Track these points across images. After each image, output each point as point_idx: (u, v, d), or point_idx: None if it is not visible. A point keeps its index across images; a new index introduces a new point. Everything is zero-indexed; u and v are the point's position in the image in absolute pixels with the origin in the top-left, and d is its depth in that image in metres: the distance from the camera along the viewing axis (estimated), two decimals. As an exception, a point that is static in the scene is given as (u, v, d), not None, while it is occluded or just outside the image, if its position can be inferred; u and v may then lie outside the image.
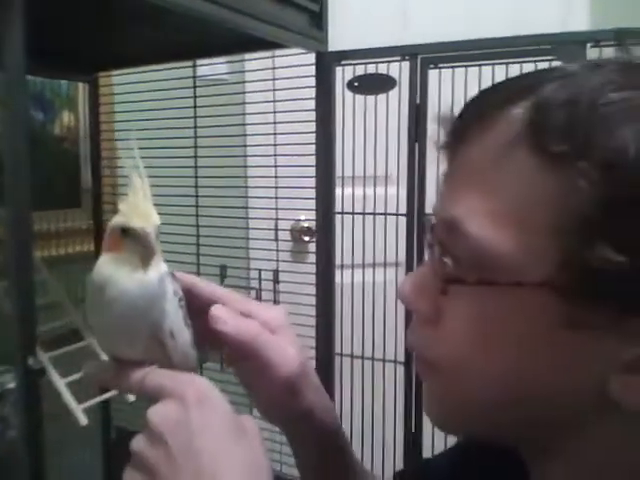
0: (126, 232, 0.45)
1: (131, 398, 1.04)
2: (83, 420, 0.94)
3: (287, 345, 0.51)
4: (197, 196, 1.25)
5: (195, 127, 1.25)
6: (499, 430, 0.39)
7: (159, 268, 0.46)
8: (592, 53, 0.95)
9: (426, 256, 0.42)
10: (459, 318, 0.37)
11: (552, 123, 0.32)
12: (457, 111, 0.40)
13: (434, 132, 0.40)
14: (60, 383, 0.94)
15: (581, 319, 0.32)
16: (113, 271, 0.44)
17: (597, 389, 0.33)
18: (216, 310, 0.49)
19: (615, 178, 0.30)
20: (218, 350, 0.54)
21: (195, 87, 1.25)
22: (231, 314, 0.50)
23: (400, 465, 1.18)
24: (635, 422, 0.34)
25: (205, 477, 0.39)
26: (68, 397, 0.94)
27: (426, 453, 1.16)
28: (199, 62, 1.27)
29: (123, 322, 0.45)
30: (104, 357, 1.05)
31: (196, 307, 0.50)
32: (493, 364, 0.36)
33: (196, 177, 1.25)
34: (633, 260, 0.30)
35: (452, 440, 1.17)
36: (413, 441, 1.16)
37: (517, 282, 0.33)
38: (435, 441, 1.14)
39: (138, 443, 0.42)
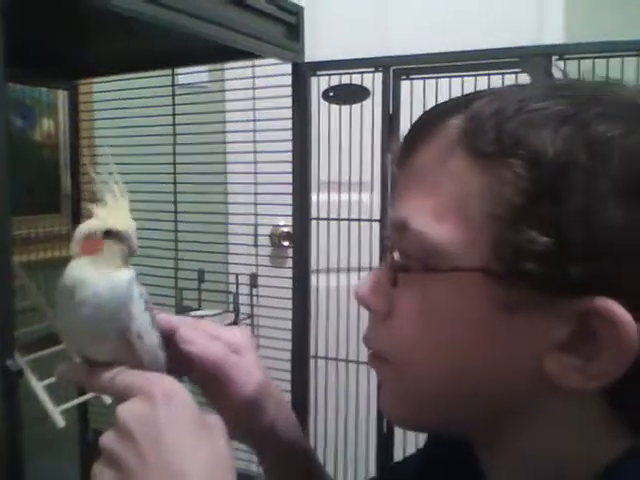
0: (109, 234, 0.47)
1: (108, 400, 1.05)
2: (60, 422, 0.95)
3: (249, 365, 0.54)
4: (176, 202, 1.27)
5: (174, 134, 1.27)
6: (449, 419, 0.42)
7: (128, 271, 0.48)
8: (558, 66, 1.00)
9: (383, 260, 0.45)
10: (406, 308, 0.40)
11: (483, 128, 0.36)
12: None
13: (393, 149, 0.44)
14: (38, 386, 0.96)
15: (516, 302, 0.35)
16: (88, 273, 0.46)
17: (536, 370, 0.36)
18: (184, 332, 0.52)
19: (537, 172, 0.34)
20: (186, 375, 0.56)
21: (174, 95, 1.27)
22: (198, 335, 0.52)
23: (373, 464, 1.20)
24: (573, 402, 0.37)
25: (171, 471, 0.41)
26: (46, 399, 0.96)
27: (397, 453, 1.19)
28: (179, 69, 1.29)
29: (93, 323, 0.47)
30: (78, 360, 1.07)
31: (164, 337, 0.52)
32: (436, 350, 0.39)
33: (175, 183, 1.27)
34: (556, 241, 0.33)
35: (423, 438, 1.20)
36: (385, 441, 1.18)
37: (455, 267, 0.36)
38: (407, 441, 1.17)
39: (107, 438, 0.43)
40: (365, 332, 0.45)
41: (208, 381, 0.54)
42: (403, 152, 0.42)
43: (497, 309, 0.36)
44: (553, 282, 0.34)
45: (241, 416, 0.54)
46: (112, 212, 0.48)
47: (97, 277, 0.46)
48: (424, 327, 0.39)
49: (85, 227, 0.48)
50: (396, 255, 0.41)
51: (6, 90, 0.67)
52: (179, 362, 0.52)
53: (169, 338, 0.52)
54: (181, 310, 1.24)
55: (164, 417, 0.42)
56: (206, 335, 0.53)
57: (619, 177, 0.33)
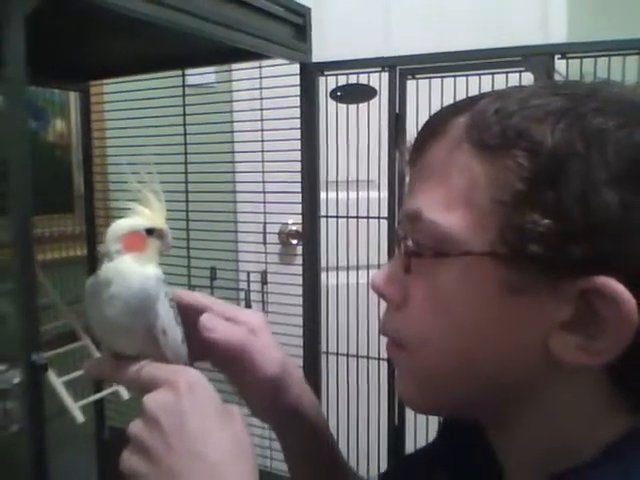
0: (151, 232, 0.50)
1: (125, 396, 1.08)
2: (80, 417, 0.98)
3: (269, 345, 0.56)
4: (187, 201, 1.29)
5: (185, 134, 1.29)
6: (461, 401, 0.44)
7: (157, 271, 0.51)
8: (560, 64, 1.01)
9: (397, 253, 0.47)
10: (419, 294, 0.42)
11: (487, 124, 0.40)
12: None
13: (403, 150, 0.47)
14: (57, 382, 0.98)
15: (521, 284, 0.38)
16: (129, 268, 0.49)
17: (541, 350, 0.38)
18: (205, 319, 0.54)
19: (538, 161, 0.37)
20: (209, 358, 0.58)
21: (184, 95, 1.29)
22: (219, 321, 0.54)
23: (384, 458, 1.22)
24: (577, 381, 0.39)
25: (194, 456, 0.43)
26: (65, 395, 0.98)
27: (409, 446, 1.21)
28: (189, 71, 1.31)
29: (124, 318, 0.49)
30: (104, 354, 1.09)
31: (184, 316, 0.54)
32: (447, 333, 0.41)
33: (186, 182, 1.29)
34: (556, 223, 0.36)
35: (433, 432, 1.21)
36: (396, 435, 1.20)
37: (465, 252, 0.39)
38: (417, 434, 1.19)
39: (135, 427, 0.46)
40: (382, 321, 0.47)
41: (232, 364, 0.56)
42: (414, 151, 0.45)
43: (504, 291, 0.38)
44: (555, 263, 0.36)
45: (266, 396, 0.56)
46: (152, 209, 0.51)
47: (134, 272, 0.49)
48: (436, 311, 0.41)
49: (128, 224, 0.51)
50: (410, 243, 0.43)
51: (27, 94, 0.70)
52: (202, 347, 0.54)
53: (193, 320, 0.54)
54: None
55: (188, 406, 0.45)
56: (225, 320, 0.55)
57: (613, 164, 0.36)
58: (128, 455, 0.46)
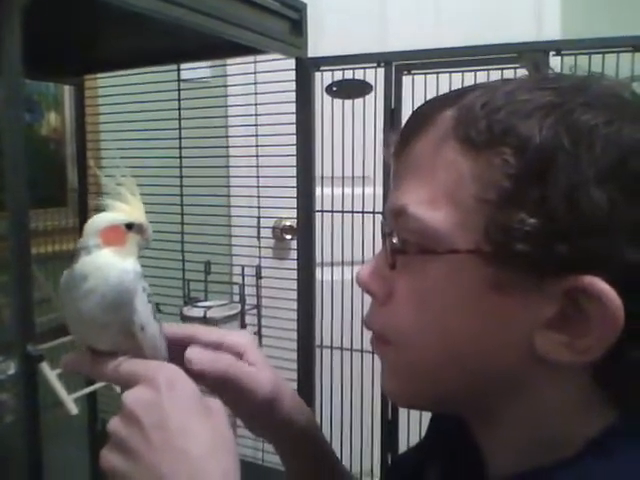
0: (130, 227, 0.50)
1: (118, 389, 1.08)
2: (74, 409, 0.97)
3: (258, 367, 0.56)
4: (182, 195, 1.29)
5: (180, 128, 1.29)
6: (445, 396, 0.44)
7: (136, 265, 0.50)
8: (555, 61, 1.02)
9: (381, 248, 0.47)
10: (404, 290, 0.42)
11: (474, 119, 0.39)
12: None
13: (390, 142, 0.46)
14: (51, 374, 0.98)
15: (506, 282, 0.37)
16: (107, 262, 0.48)
17: (525, 347, 0.38)
18: (190, 353, 0.54)
19: (524, 158, 0.36)
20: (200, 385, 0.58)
21: (179, 90, 1.28)
22: (203, 353, 0.54)
23: (377, 452, 1.23)
24: (561, 378, 0.39)
25: (175, 452, 0.43)
26: (59, 387, 0.97)
27: (402, 440, 1.22)
28: (183, 65, 1.31)
29: (99, 312, 0.48)
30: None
31: (175, 343, 0.54)
32: (432, 329, 0.41)
33: (181, 177, 1.29)
34: (543, 223, 0.35)
35: (426, 425, 1.22)
36: (389, 429, 1.21)
37: (451, 250, 0.39)
38: (410, 428, 1.20)
39: (114, 424, 0.45)
40: (366, 315, 0.47)
41: (224, 389, 0.56)
42: (400, 144, 0.44)
43: (488, 289, 0.38)
44: (541, 261, 0.36)
45: (259, 415, 0.57)
46: (131, 205, 0.51)
47: (112, 266, 0.48)
48: (420, 307, 0.41)
49: (107, 219, 0.50)
50: (395, 239, 0.43)
51: (23, 87, 0.70)
52: (192, 376, 0.53)
53: (181, 351, 0.54)
54: (188, 301, 1.27)
55: (168, 402, 0.45)
56: (211, 350, 0.55)
57: (601, 162, 0.35)
58: (107, 452, 0.45)
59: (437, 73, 1.07)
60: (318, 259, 1.21)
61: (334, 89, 1.15)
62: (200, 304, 1.24)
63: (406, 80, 1.10)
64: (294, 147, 1.16)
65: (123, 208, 0.50)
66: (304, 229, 1.19)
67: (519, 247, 0.36)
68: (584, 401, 0.40)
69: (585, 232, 0.35)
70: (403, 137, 0.44)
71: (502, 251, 0.37)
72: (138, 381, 0.46)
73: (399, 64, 1.10)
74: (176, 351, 0.54)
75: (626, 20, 1.55)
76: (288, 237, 1.69)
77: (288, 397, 0.58)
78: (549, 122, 0.36)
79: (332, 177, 1.20)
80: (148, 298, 0.51)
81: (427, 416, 1.22)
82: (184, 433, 0.44)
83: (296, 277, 1.21)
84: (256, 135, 1.27)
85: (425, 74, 1.08)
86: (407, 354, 0.43)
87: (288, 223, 1.67)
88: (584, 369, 0.38)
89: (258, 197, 1.29)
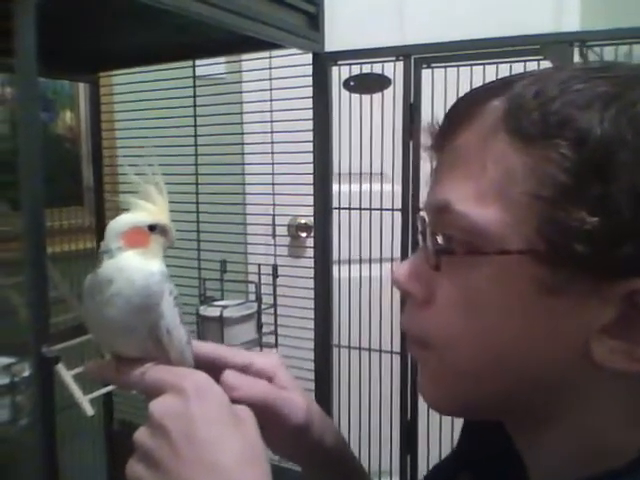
0: (153, 228, 0.48)
1: (133, 390, 1.07)
2: (90, 410, 0.97)
3: (290, 392, 0.55)
4: (197, 193, 1.28)
5: (195, 125, 1.27)
6: (489, 404, 0.41)
7: (161, 267, 0.49)
8: (578, 52, 0.99)
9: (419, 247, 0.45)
10: (450, 292, 0.40)
11: (526, 110, 0.36)
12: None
13: (424, 135, 0.44)
14: (67, 375, 0.97)
15: (560, 284, 0.35)
16: (131, 264, 0.47)
17: (581, 353, 0.36)
18: (228, 378, 0.52)
19: (584, 152, 0.34)
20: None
21: (195, 86, 1.27)
22: (240, 379, 0.53)
23: (396, 453, 1.21)
24: (617, 386, 0.37)
25: (205, 464, 0.41)
26: (75, 388, 0.97)
27: (422, 441, 1.20)
28: (198, 61, 1.30)
29: (124, 317, 0.47)
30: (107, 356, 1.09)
31: (202, 364, 0.53)
32: (479, 335, 0.38)
33: (196, 175, 1.28)
34: (604, 222, 0.33)
35: (446, 426, 1.20)
36: (409, 429, 1.19)
37: (501, 250, 0.36)
38: (430, 429, 1.18)
39: (141, 434, 0.44)
40: (403, 318, 0.44)
41: (256, 414, 0.54)
42: (441, 135, 0.42)
43: (541, 292, 0.36)
44: (600, 263, 0.34)
45: (290, 440, 0.56)
46: (156, 204, 0.49)
47: (137, 269, 0.47)
48: (467, 312, 0.39)
49: (129, 220, 0.48)
50: (439, 239, 0.41)
51: (37, 85, 0.69)
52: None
53: (208, 371, 0.52)
54: (205, 300, 1.25)
55: (197, 411, 0.43)
56: (248, 377, 0.54)
57: None
58: (134, 464, 0.44)
59: (458, 66, 1.04)
60: (335, 257, 1.20)
61: (352, 84, 1.13)
62: (216, 303, 1.22)
63: (425, 74, 1.08)
64: (310, 144, 1.14)
65: (147, 208, 0.49)
66: (321, 226, 1.18)
67: (577, 247, 0.33)
68: (638, 410, 0.38)
69: None
70: (445, 129, 0.42)
71: (558, 251, 0.34)
72: (165, 389, 0.45)
73: (418, 57, 1.07)
74: (206, 369, 0.52)
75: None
76: (303, 235, 1.67)
77: (318, 419, 0.57)
78: (610, 114, 0.34)
79: (349, 174, 1.18)
80: (175, 301, 0.50)
81: (447, 417, 1.20)
82: (213, 444, 0.42)
83: (313, 275, 1.19)
84: (272, 132, 1.25)
85: (445, 67, 1.05)
86: (452, 360, 0.40)
87: (303, 221, 1.65)
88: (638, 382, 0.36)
89: (273, 194, 1.27)
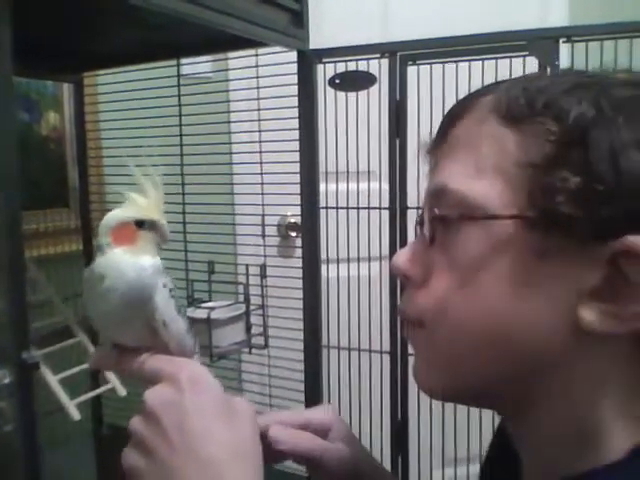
0: (141, 224, 0.49)
1: (123, 393, 1.06)
2: (76, 415, 0.96)
3: (343, 445, 0.57)
4: (184, 193, 1.27)
5: (180, 125, 1.26)
6: (481, 383, 0.42)
7: (154, 260, 0.50)
8: (565, 48, 0.99)
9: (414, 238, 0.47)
10: (444, 264, 0.41)
11: (514, 97, 0.40)
12: (436, 108, 0.46)
13: (420, 138, 0.48)
14: (52, 379, 0.96)
15: (550, 247, 0.37)
16: (121, 260, 0.48)
17: (571, 319, 0.37)
18: (273, 432, 0.53)
19: (566, 126, 0.37)
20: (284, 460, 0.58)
21: (179, 85, 1.26)
22: (286, 432, 0.54)
23: (387, 454, 1.21)
24: (610, 351, 0.38)
25: (194, 455, 0.42)
26: (61, 393, 0.96)
27: (412, 441, 1.19)
28: (183, 60, 1.28)
29: (121, 310, 0.48)
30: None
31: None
32: (475, 302, 0.40)
33: (182, 174, 1.27)
34: (586, 182, 0.36)
35: (437, 426, 1.19)
36: (399, 429, 1.18)
37: (493, 215, 0.39)
38: (421, 429, 1.18)
39: (135, 422, 0.45)
40: (400, 304, 0.46)
41: (305, 463, 0.57)
42: (438, 136, 0.45)
43: (532, 257, 0.38)
44: (585, 223, 0.36)
45: None
46: (145, 201, 0.50)
47: (127, 264, 0.48)
48: (461, 280, 0.40)
49: (117, 216, 0.49)
50: (435, 212, 0.42)
51: (12, 85, 0.67)
52: (275, 454, 0.54)
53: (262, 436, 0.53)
54: (192, 302, 1.24)
55: (189, 402, 0.44)
56: (294, 430, 0.55)
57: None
58: (128, 451, 0.45)
59: (443, 63, 1.04)
60: (324, 256, 1.19)
61: (337, 81, 1.12)
62: (204, 305, 1.21)
63: (411, 71, 1.07)
64: (298, 142, 1.13)
65: (137, 203, 0.50)
66: (308, 226, 1.17)
67: (563, 208, 0.36)
68: (628, 394, 0.39)
69: (628, 192, 0.35)
70: (443, 125, 0.45)
71: (546, 215, 0.37)
72: (161, 379, 0.46)
73: (404, 54, 1.06)
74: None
75: (635, 7, 1.51)
76: (293, 234, 1.66)
77: (368, 470, 0.59)
78: (589, 96, 0.38)
79: (336, 172, 1.17)
80: (170, 293, 0.51)
81: (438, 416, 1.20)
82: (204, 436, 0.43)
83: (301, 275, 1.18)
84: (259, 130, 1.24)
85: (431, 64, 1.05)
86: (445, 333, 0.42)
87: (293, 220, 1.64)
88: (630, 350, 0.38)
89: (262, 194, 1.26)
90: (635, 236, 0.35)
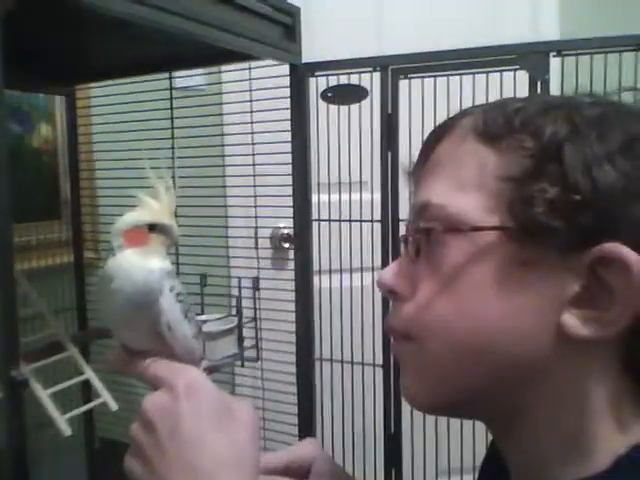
0: (153, 227, 0.50)
1: (114, 407, 1.05)
2: (67, 430, 0.95)
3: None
4: (176, 206, 1.26)
5: (172, 137, 1.26)
6: (472, 394, 0.42)
7: (163, 263, 0.50)
8: (555, 62, 0.99)
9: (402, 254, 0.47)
10: (430, 277, 0.42)
11: (492, 117, 0.42)
12: (427, 121, 0.47)
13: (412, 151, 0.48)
14: (43, 394, 0.95)
15: (531, 257, 0.38)
16: (130, 262, 0.48)
17: (554, 327, 0.38)
18: None
19: (542, 142, 0.39)
20: None
21: (172, 98, 1.26)
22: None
23: (381, 466, 1.20)
24: (595, 356, 0.39)
25: (185, 464, 0.42)
26: (51, 408, 0.95)
27: (405, 454, 1.19)
28: (177, 73, 1.28)
29: (127, 312, 0.49)
30: (87, 368, 1.07)
31: None
32: (459, 313, 0.41)
33: (174, 187, 1.26)
34: (563, 192, 0.37)
35: (430, 439, 1.19)
36: (393, 442, 1.18)
37: (475, 227, 0.40)
38: (414, 442, 1.17)
39: (134, 428, 0.45)
40: (387, 320, 0.46)
41: None
42: (423, 152, 0.47)
43: (514, 267, 0.39)
44: (563, 233, 0.37)
45: None
46: (157, 205, 0.51)
47: (135, 266, 0.48)
48: (446, 292, 0.41)
49: (129, 220, 0.50)
50: (420, 226, 0.43)
51: (4, 97, 0.67)
52: None
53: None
54: (184, 315, 1.23)
55: (184, 409, 0.44)
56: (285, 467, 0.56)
57: (610, 144, 0.38)
58: (129, 458, 0.45)
59: (435, 77, 1.04)
60: (316, 267, 1.19)
61: (329, 95, 1.12)
62: (196, 318, 1.20)
63: (403, 84, 1.07)
64: (290, 155, 1.13)
65: (150, 206, 0.51)
66: (301, 238, 1.17)
67: (542, 218, 0.37)
68: (614, 402, 0.39)
69: (603, 201, 0.37)
70: (426, 146, 0.47)
71: (526, 225, 0.38)
72: (161, 385, 0.46)
73: (395, 68, 1.07)
74: None
75: (625, 18, 1.52)
76: (286, 246, 1.66)
77: None
78: (562, 115, 0.40)
79: (329, 184, 1.17)
80: (177, 297, 0.51)
81: (431, 429, 1.19)
82: (196, 444, 0.42)
83: (294, 287, 1.18)
84: (252, 143, 1.24)
85: (422, 78, 1.05)
86: (432, 346, 0.42)
87: (286, 231, 1.64)
88: (613, 357, 0.39)
89: (255, 207, 1.26)
90: (611, 243, 0.36)
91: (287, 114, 1.13)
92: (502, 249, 0.39)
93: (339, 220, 1.18)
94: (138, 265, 0.48)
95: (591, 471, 0.38)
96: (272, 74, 1.14)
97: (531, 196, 0.38)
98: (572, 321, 0.38)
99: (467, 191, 0.41)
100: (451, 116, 0.47)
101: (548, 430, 0.40)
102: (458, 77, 1.02)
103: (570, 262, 0.38)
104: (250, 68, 1.19)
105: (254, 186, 1.25)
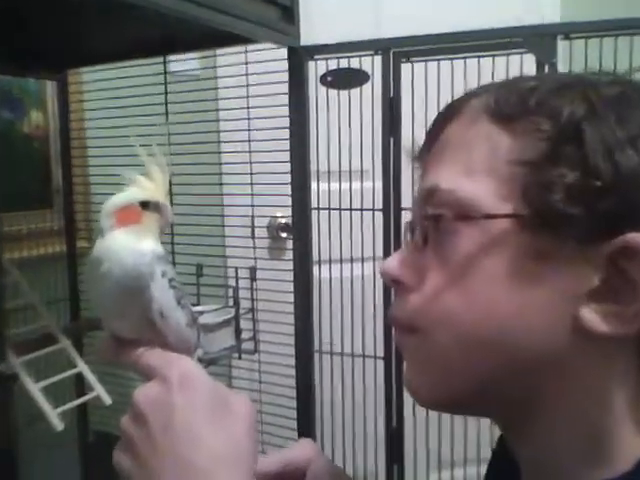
0: (146, 205, 0.47)
1: (107, 401, 1.03)
2: (58, 425, 0.92)
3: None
4: (171, 194, 1.23)
5: (167, 123, 1.23)
6: (477, 391, 0.40)
7: (155, 245, 0.48)
8: (562, 45, 0.96)
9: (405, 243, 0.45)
10: (438, 267, 0.40)
11: (505, 97, 0.40)
12: (431, 106, 0.45)
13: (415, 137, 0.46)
14: (34, 388, 0.93)
15: (547, 248, 0.36)
16: (120, 244, 0.46)
17: (570, 322, 0.36)
18: None
19: (559, 124, 0.37)
20: None
21: (166, 83, 1.23)
22: None
23: (382, 460, 1.18)
24: (615, 352, 0.37)
25: (179, 460, 0.40)
26: (43, 402, 0.92)
27: (407, 448, 1.17)
28: (171, 58, 1.25)
29: (115, 297, 0.46)
30: (79, 361, 1.04)
31: None
32: (468, 305, 0.38)
33: (169, 175, 1.23)
34: (583, 177, 0.35)
35: (433, 433, 1.17)
36: (395, 437, 1.16)
37: (487, 214, 0.37)
38: (416, 435, 1.15)
39: (124, 422, 0.43)
40: (391, 310, 0.44)
41: None
42: (428, 139, 0.44)
43: (528, 258, 0.37)
44: (582, 221, 0.35)
45: None
46: (150, 183, 0.49)
47: (125, 249, 0.46)
48: (456, 283, 0.39)
49: (121, 198, 0.48)
50: (428, 212, 0.41)
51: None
52: None
53: None
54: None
55: (178, 401, 0.42)
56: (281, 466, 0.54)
57: (631, 125, 0.36)
58: (117, 451, 0.44)
59: (438, 60, 1.01)
60: (316, 257, 1.16)
61: (329, 79, 1.09)
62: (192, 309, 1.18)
63: (405, 68, 1.04)
64: (289, 141, 1.10)
65: (142, 184, 0.48)
66: (300, 227, 1.14)
67: (559, 205, 0.35)
68: (633, 404, 0.38)
69: (625, 187, 0.35)
70: (434, 127, 0.44)
71: (542, 213, 0.36)
72: (153, 375, 0.44)
73: (397, 51, 1.04)
74: None
75: (627, 5, 1.49)
76: (284, 235, 1.63)
77: None
78: (579, 95, 0.38)
79: (328, 171, 1.14)
80: (170, 283, 0.48)
81: (434, 422, 1.17)
82: (188, 438, 0.41)
83: (292, 278, 1.15)
84: (248, 129, 1.21)
85: (426, 61, 1.02)
86: (439, 338, 0.40)
87: (284, 220, 1.61)
88: (636, 356, 0.37)
89: (252, 195, 1.23)
90: (635, 233, 0.34)
91: (285, 99, 1.10)
92: (516, 239, 0.37)
93: (339, 209, 1.15)
94: (128, 247, 0.46)
95: (612, 473, 0.36)
96: (269, 58, 1.11)
97: (548, 181, 0.35)
98: (591, 316, 0.36)
99: (478, 176, 0.38)
100: (460, 96, 0.44)
101: (566, 427, 0.39)
102: (462, 60, 0.99)
103: (589, 253, 0.35)
104: (247, 52, 1.16)
105: (251, 174, 1.22)
